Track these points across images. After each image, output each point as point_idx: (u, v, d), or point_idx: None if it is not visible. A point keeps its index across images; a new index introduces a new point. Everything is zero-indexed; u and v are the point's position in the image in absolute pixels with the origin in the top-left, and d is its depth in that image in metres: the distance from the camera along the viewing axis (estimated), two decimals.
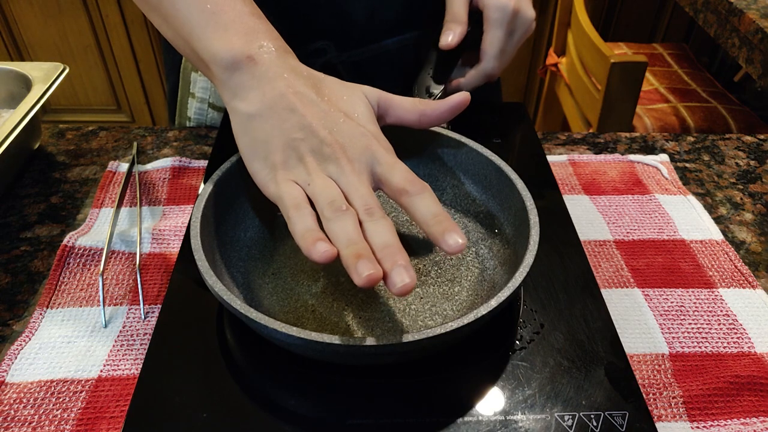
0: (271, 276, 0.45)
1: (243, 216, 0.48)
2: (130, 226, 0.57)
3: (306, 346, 0.35)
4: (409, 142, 0.52)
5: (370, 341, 0.34)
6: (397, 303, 0.43)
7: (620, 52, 1.62)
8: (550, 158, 0.66)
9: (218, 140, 0.60)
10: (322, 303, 0.43)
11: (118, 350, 0.45)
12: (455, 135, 0.50)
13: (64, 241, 0.54)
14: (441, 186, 0.52)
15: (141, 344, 0.46)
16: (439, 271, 0.45)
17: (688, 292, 0.51)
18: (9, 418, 0.41)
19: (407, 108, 0.45)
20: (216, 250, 0.43)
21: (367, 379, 0.38)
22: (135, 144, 0.67)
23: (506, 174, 0.46)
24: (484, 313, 0.35)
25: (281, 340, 0.35)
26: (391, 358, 0.38)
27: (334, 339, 0.34)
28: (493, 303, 0.35)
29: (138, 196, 0.60)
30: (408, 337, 0.34)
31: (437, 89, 0.58)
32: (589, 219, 0.59)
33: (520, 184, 0.44)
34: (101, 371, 0.44)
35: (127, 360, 0.45)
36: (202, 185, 0.45)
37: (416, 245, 0.48)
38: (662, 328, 0.48)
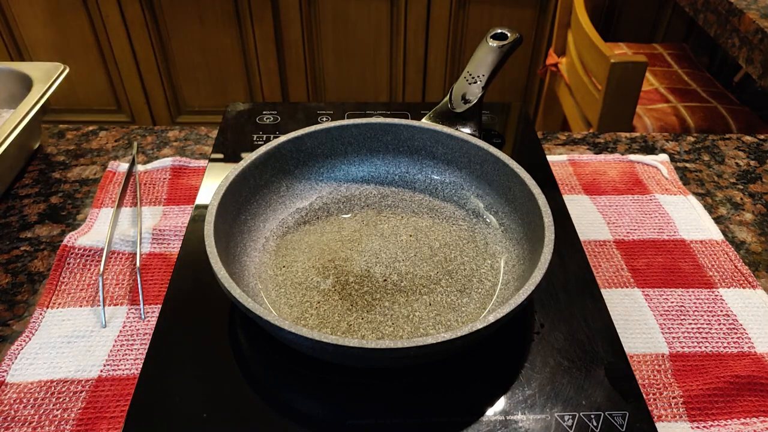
0: (282, 269, 0.46)
1: (264, 207, 0.48)
2: (130, 226, 0.57)
3: (295, 340, 0.35)
4: (437, 149, 0.52)
5: (354, 343, 0.33)
6: (403, 309, 0.43)
7: (620, 52, 1.62)
8: (550, 158, 0.66)
9: (218, 140, 0.60)
10: (327, 301, 0.43)
11: (118, 350, 0.45)
12: (484, 144, 0.49)
13: (64, 241, 0.54)
14: (465, 195, 0.51)
15: (141, 344, 0.46)
16: (450, 280, 0.45)
17: (688, 292, 0.51)
18: (9, 418, 0.41)
19: None
20: (232, 237, 0.44)
21: (367, 380, 0.38)
22: (135, 144, 0.67)
23: (529, 188, 0.45)
24: (479, 327, 0.34)
25: (272, 331, 0.35)
26: (383, 362, 0.38)
27: (321, 336, 0.33)
28: (491, 318, 0.35)
29: (138, 196, 0.60)
30: (399, 344, 0.33)
31: (474, 96, 0.58)
32: (589, 219, 0.59)
33: (542, 200, 0.43)
34: (101, 371, 0.44)
35: (127, 360, 0.45)
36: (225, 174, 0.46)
37: (429, 252, 0.47)
38: (662, 328, 0.48)
